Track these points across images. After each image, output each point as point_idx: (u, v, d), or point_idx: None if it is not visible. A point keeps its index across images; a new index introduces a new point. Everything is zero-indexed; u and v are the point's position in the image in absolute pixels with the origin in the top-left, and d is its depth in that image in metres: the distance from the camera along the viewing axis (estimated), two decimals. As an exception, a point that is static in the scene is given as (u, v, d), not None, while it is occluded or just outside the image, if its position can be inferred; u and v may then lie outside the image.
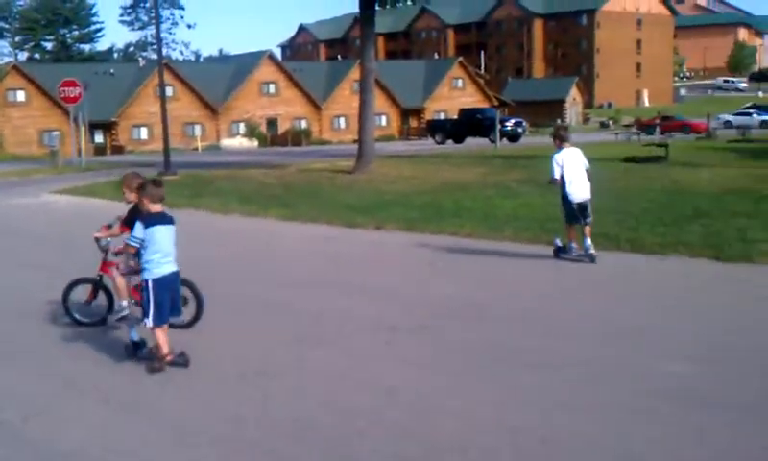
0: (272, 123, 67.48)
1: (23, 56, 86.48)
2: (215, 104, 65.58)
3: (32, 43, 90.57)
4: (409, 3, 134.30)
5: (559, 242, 10.01)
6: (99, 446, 4.71)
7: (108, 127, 61.62)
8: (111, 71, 67.18)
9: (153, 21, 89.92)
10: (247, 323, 7.46)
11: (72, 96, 31.53)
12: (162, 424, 5.05)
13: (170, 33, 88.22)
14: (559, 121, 65.95)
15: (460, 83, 76.28)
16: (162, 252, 5.91)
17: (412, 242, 11.78)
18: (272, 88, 68.62)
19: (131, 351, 6.34)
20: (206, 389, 5.65)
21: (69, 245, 12.16)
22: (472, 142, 45.43)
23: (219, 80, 67.41)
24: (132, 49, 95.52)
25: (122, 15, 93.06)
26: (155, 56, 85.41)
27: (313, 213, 15.00)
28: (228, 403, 5.32)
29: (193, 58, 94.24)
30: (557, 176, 9.53)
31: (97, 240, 6.95)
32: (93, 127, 54.29)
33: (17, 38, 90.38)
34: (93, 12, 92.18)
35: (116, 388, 5.75)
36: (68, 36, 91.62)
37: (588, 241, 9.55)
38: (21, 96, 61.89)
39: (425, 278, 9.43)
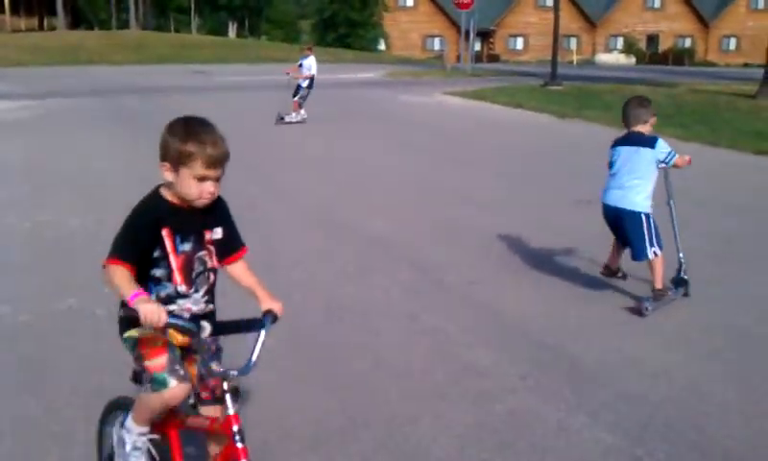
0: (652, 40, 63.92)
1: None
2: (594, 16, 63.70)
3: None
4: None
5: None
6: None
7: (485, 35, 63.32)
8: (494, -20, 68.46)
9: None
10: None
11: (466, 2, 32.53)
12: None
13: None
14: None
15: None
16: None
17: None
18: (656, 2, 64.73)
19: None
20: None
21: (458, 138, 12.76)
22: None
23: (601, -9, 65.24)
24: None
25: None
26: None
27: (712, 137, 13.87)
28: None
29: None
30: None
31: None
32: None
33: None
34: None
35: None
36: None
37: None
38: (410, 1, 66.07)
39: None
